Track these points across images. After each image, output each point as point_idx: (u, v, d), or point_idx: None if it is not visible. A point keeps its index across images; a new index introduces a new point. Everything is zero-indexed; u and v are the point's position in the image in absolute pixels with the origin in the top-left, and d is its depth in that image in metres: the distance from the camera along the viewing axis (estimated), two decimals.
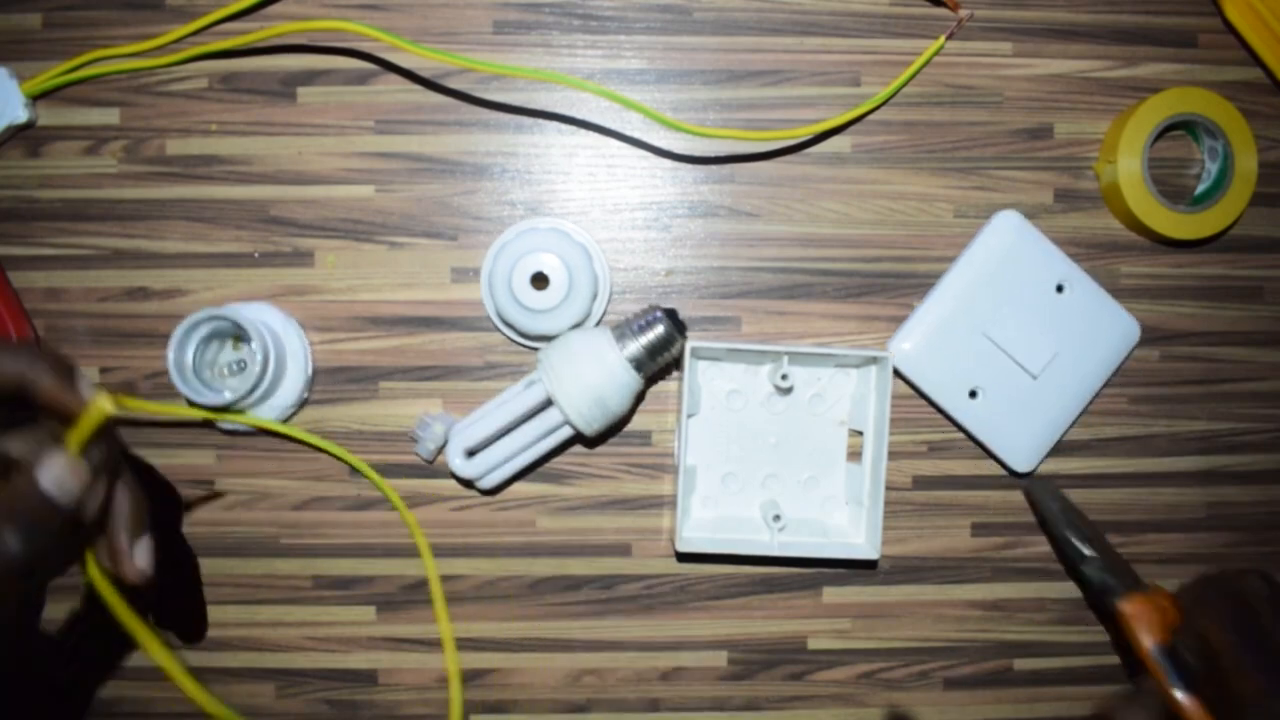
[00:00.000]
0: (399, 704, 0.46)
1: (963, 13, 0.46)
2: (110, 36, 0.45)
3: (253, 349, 0.41)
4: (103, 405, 0.29)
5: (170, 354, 0.41)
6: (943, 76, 0.47)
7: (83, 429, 0.29)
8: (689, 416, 0.45)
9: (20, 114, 0.44)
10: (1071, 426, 0.46)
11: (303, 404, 0.45)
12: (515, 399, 0.44)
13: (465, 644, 0.46)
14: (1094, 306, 0.46)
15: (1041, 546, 0.47)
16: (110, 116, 0.46)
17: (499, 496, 0.46)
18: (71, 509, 0.28)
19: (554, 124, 0.46)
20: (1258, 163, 0.46)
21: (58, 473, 0.28)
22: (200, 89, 0.46)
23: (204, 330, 0.42)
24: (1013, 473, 0.46)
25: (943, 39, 0.46)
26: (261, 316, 0.44)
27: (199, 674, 0.45)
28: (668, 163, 0.47)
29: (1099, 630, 0.47)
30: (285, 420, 0.45)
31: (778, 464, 0.46)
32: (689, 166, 0.47)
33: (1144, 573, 0.47)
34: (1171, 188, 0.48)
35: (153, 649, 0.29)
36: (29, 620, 0.29)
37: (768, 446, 0.46)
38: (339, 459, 0.45)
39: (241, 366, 0.44)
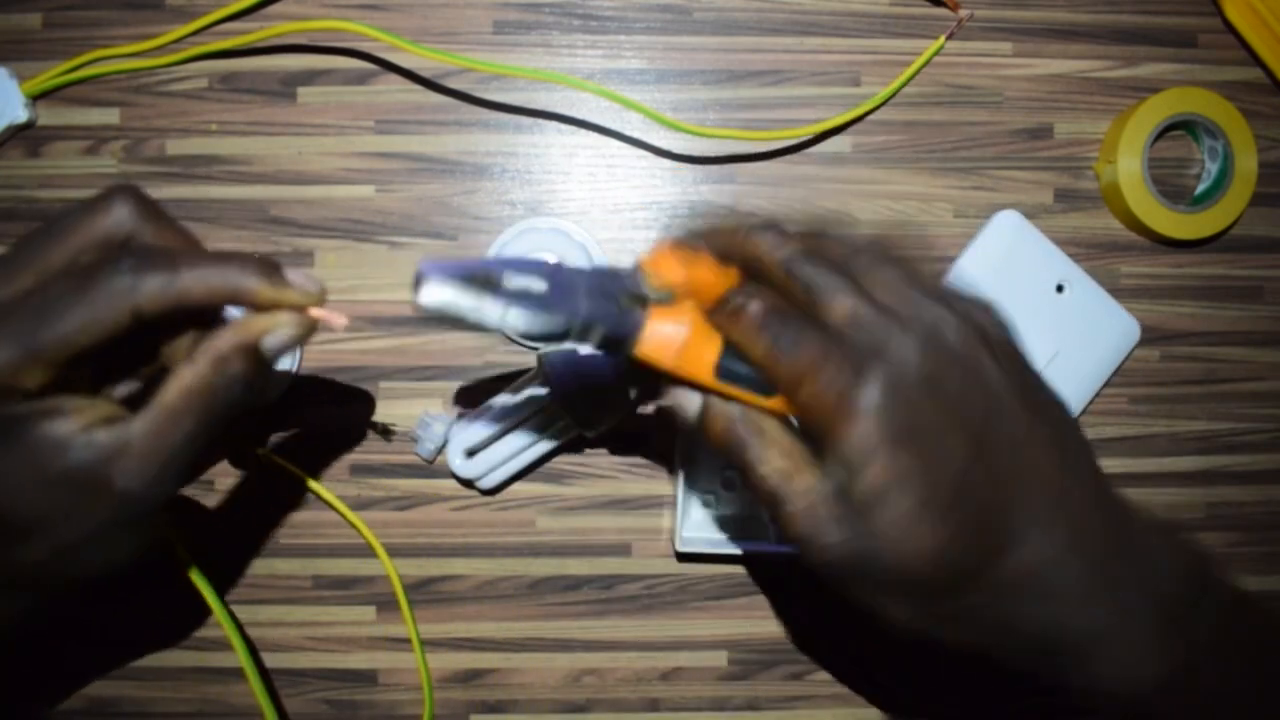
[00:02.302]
0: (399, 704, 0.46)
1: (963, 13, 0.46)
2: (110, 36, 0.45)
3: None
4: (317, 294, 0.30)
5: None
6: (943, 76, 0.47)
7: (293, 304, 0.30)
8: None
9: (20, 114, 0.44)
10: None
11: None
12: (515, 399, 0.44)
13: (465, 644, 0.46)
14: (1094, 306, 0.46)
15: None
16: (110, 116, 0.46)
17: (499, 496, 0.46)
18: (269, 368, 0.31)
19: (554, 124, 0.46)
20: (1258, 163, 0.46)
21: (280, 336, 0.30)
22: (200, 89, 0.46)
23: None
24: None
25: (943, 39, 0.46)
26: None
27: (198, 674, 0.45)
28: (668, 163, 0.47)
29: None
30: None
31: None
32: (689, 166, 0.47)
33: None
34: (1171, 188, 0.48)
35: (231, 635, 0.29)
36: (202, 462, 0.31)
37: None
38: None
39: None
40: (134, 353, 0.31)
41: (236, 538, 0.45)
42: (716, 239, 0.30)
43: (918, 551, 0.26)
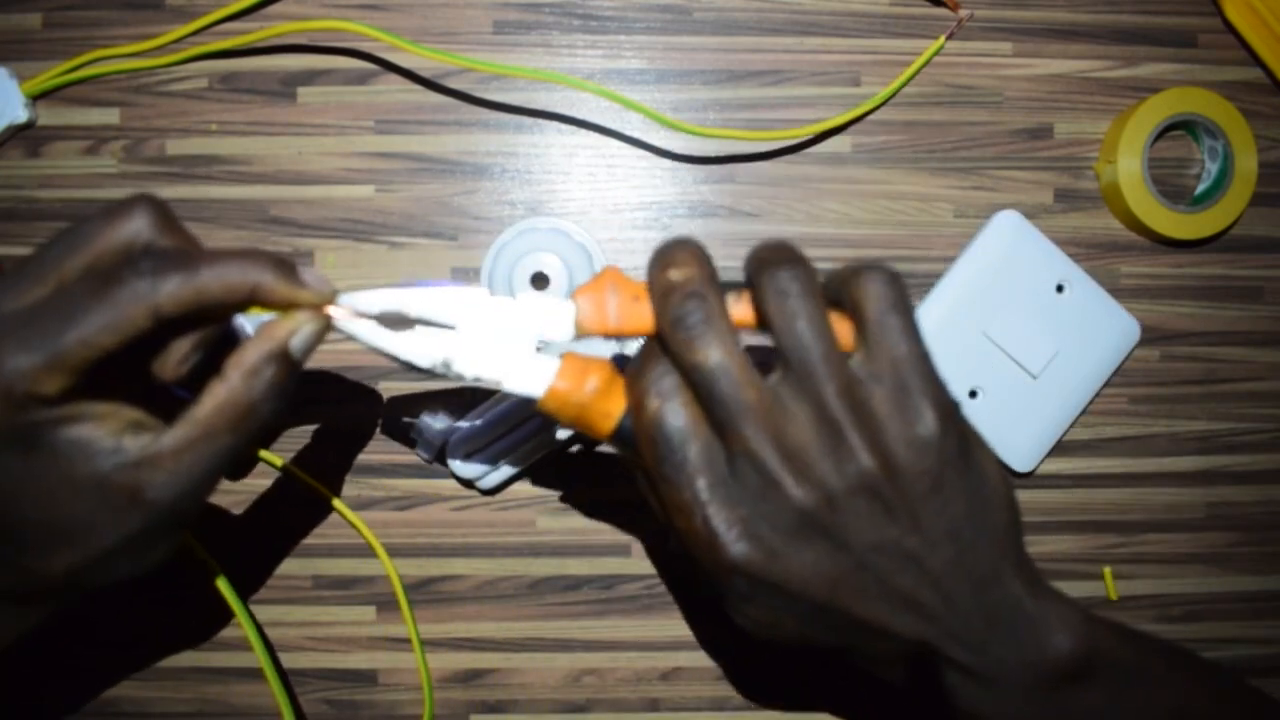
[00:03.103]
0: (399, 704, 0.46)
1: (963, 13, 0.46)
2: (110, 36, 0.45)
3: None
4: (329, 293, 0.30)
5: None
6: (943, 76, 0.47)
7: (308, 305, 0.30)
8: None
9: (20, 114, 0.44)
10: (1071, 426, 0.46)
11: None
12: (515, 399, 0.44)
13: (465, 644, 0.46)
14: (1094, 306, 0.46)
15: (1042, 547, 0.47)
16: (110, 116, 0.46)
17: (499, 496, 0.46)
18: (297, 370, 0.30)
19: (554, 124, 0.46)
20: (1258, 163, 0.46)
21: (306, 335, 0.29)
22: (200, 89, 0.46)
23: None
24: (1013, 473, 0.46)
25: (943, 39, 0.46)
26: None
27: (198, 674, 0.45)
28: (668, 163, 0.47)
29: None
30: None
31: None
32: (689, 166, 0.47)
33: (1144, 573, 0.47)
34: (1171, 188, 0.48)
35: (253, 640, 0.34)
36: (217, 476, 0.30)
37: None
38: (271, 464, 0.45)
39: None
40: (130, 367, 0.30)
41: (236, 537, 0.45)
42: (652, 304, 0.29)
43: (787, 642, 0.30)
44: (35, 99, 0.45)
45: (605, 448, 0.46)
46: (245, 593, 0.45)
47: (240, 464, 0.45)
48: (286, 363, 0.29)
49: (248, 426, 0.29)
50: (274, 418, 0.29)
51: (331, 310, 0.30)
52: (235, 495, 0.45)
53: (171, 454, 0.28)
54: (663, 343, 0.28)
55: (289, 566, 0.46)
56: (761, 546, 0.27)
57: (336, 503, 0.45)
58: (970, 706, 0.30)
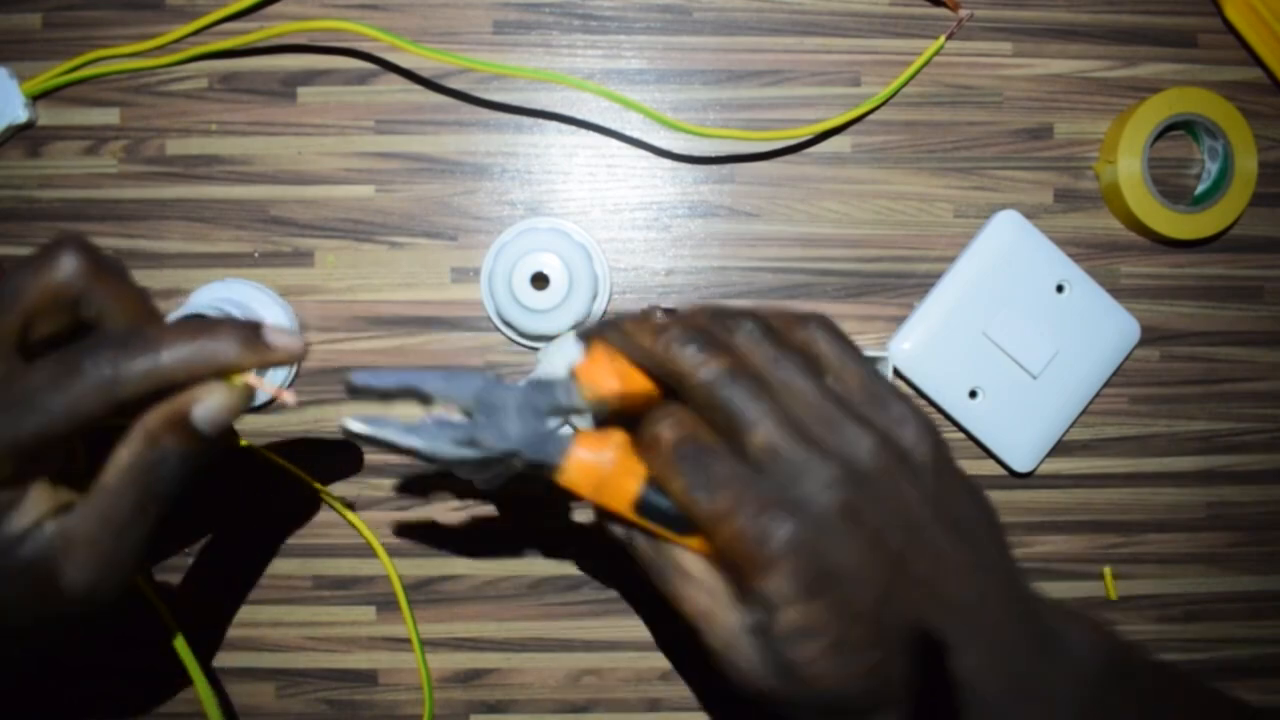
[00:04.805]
0: (399, 704, 0.46)
1: (963, 13, 0.46)
2: (110, 36, 0.45)
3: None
4: (300, 349, 0.29)
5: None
6: (943, 76, 0.47)
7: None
8: None
9: (20, 114, 0.44)
10: (1071, 426, 0.46)
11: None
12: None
13: (465, 644, 0.46)
14: (1094, 306, 0.46)
15: (1042, 547, 0.47)
16: (110, 116, 0.46)
17: (498, 496, 0.46)
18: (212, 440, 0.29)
19: (554, 124, 0.47)
20: (1258, 163, 0.46)
21: (209, 407, 0.28)
22: (200, 89, 0.46)
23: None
24: (1013, 473, 0.46)
25: (943, 39, 0.46)
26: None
27: None
28: (668, 163, 0.47)
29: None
30: None
31: None
32: (689, 166, 0.47)
33: (1144, 573, 0.47)
34: (1171, 188, 0.48)
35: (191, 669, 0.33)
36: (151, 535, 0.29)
37: None
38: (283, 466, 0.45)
39: None
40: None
41: (237, 538, 0.45)
42: (640, 353, 0.29)
43: (836, 683, 0.27)
44: (35, 99, 0.45)
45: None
46: (246, 593, 0.45)
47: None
48: (187, 433, 0.28)
49: (149, 489, 0.28)
50: (179, 484, 0.28)
51: (346, 420, 0.28)
52: (236, 495, 0.45)
53: (83, 528, 0.27)
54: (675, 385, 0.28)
55: (289, 566, 0.46)
56: (807, 522, 0.26)
57: (336, 503, 0.45)
58: None
